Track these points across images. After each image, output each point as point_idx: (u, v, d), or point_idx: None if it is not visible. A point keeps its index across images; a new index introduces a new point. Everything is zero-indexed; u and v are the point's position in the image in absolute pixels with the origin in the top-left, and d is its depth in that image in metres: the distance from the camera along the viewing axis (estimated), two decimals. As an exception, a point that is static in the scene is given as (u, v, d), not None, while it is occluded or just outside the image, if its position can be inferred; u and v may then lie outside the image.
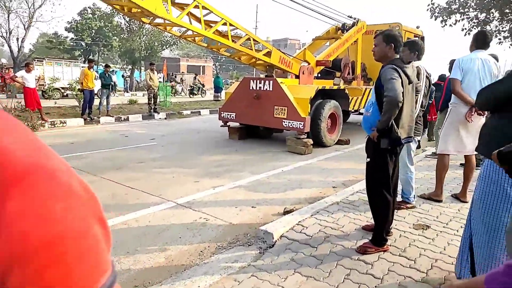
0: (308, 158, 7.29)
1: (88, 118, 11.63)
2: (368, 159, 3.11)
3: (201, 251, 3.30)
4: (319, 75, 10.49)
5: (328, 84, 9.18)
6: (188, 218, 4.06)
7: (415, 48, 3.85)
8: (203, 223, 3.92)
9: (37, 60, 22.14)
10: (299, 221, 3.63)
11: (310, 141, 7.72)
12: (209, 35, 7.31)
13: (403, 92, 2.84)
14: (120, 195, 4.77)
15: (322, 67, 9.80)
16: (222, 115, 9.07)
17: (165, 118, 13.72)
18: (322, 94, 8.51)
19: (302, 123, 7.58)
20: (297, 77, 9.03)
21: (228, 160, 6.96)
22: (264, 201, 4.65)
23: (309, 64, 9.24)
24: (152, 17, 6.79)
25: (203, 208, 4.36)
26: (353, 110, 10.15)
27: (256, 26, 46.97)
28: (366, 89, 10.01)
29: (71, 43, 40.22)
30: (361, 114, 11.57)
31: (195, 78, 27.35)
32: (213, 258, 3.06)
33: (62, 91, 19.60)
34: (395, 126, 2.89)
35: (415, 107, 3.57)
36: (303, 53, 9.60)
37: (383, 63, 3.06)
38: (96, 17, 37.20)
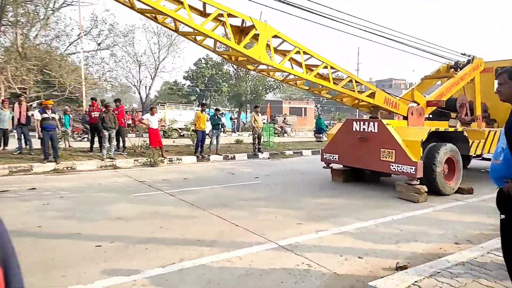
0: (422, 207, 6.59)
1: (200, 156, 12.69)
2: (503, 216, 2.63)
3: (305, 300, 3.14)
4: (431, 116, 9.72)
5: (442, 125, 8.40)
6: (290, 262, 3.95)
7: None
8: (306, 270, 3.76)
9: (160, 104, 25.41)
10: (416, 281, 3.20)
11: (424, 188, 7.00)
12: (311, 79, 7.43)
13: None
14: (226, 232, 4.93)
15: (433, 108, 9.08)
16: (325, 156, 8.95)
17: (268, 158, 14.14)
18: (436, 137, 7.80)
19: (413, 167, 6.98)
20: (405, 118, 8.50)
21: (332, 203, 6.72)
22: (373, 252, 4.29)
23: (418, 104, 8.66)
24: (256, 64, 7.23)
25: (306, 253, 4.21)
26: (474, 155, 9.02)
27: (358, 67, 46.64)
28: (490, 131, 8.88)
29: (188, 89, 45.27)
30: (485, 159, 10.27)
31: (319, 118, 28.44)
32: (318, 310, 2.88)
33: (180, 131, 21.97)
34: (537, 178, 2.42)
35: None
36: (410, 93, 9.06)
37: None
38: (208, 66, 41.43)
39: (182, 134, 21.67)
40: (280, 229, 5.09)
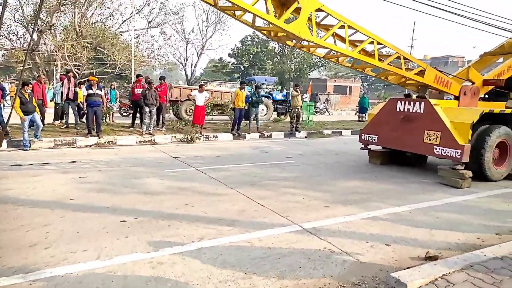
0: (464, 193, 6.09)
1: (236, 133, 12.68)
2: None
3: (320, 288, 2.98)
4: (486, 96, 8.85)
5: (498, 107, 7.62)
6: (311, 246, 3.78)
7: None
8: (327, 255, 3.58)
9: (203, 82, 25.73)
10: (444, 274, 2.92)
11: (469, 173, 6.45)
12: (353, 55, 7.02)
13: None
14: (249, 212, 4.84)
15: (490, 87, 8.24)
16: (363, 137, 8.55)
17: (306, 137, 13.85)
18: (492, 119, 7.11)
19: (459, 151, 6.43)
20: (457, 98, 7.81)
21: (365, 187, 6.39)
22: (402, 240, 4.00)
23: (473, 83, 7.90)
24: (296, 40, 6.89)
25: (330, 237, 4.02)
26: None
27: (412, 44, 44.04)
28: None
29: (232, 67, 45.35)
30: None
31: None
32: (331, 299, 2.71)
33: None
34: None
35: None
36: (466, 71, 8.30)
37: None
38: (254, 44, 41.07)
39: (222, 111, 21.81)
40: (306, 211, 4.91)
